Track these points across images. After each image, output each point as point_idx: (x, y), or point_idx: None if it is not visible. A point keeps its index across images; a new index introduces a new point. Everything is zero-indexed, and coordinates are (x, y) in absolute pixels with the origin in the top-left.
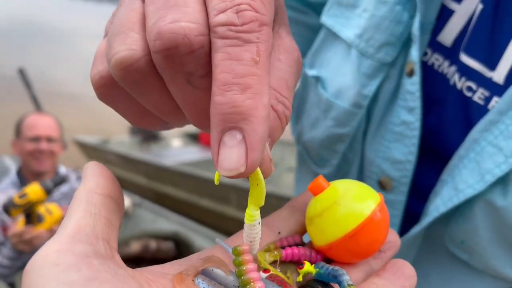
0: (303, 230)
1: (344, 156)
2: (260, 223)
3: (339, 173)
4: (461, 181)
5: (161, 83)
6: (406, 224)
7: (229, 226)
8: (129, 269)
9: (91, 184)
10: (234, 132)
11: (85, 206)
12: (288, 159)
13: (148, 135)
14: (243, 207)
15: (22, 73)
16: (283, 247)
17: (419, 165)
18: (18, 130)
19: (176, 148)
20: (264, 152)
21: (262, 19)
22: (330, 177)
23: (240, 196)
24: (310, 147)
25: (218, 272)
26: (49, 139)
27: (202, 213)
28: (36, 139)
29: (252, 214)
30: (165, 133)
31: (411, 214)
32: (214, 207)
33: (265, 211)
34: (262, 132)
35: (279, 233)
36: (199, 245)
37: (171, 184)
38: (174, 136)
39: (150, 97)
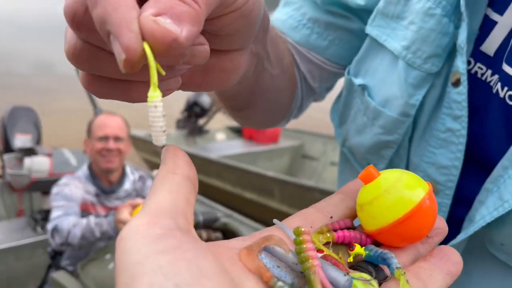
0: (353, 216)
1: (390, 161)
2: (162, 108)
3: None
4: (506, 191)
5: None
6: (448, 226)
7: (273, 218)
8: (203, 241)
9: (170, 165)
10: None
11: (167, 185)
12: (330, 154)
13: (193, 128)
14: (286, 199)
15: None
16: (335, 230)
17: (462, 171)
18: (89, 130)
19: (220, 142)
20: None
21: None
22: None
23: (283, 189)
24: (356, 152)
25: (279, 249)
26: (117, 139)
27: (246, 205)
28: (105, 138)
29: (150, 95)
30: (209, 126)
31: (453, 217)
32: (258, 199)
33: (308, 205)
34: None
35: (331, 217)
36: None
37: (215, 177)
38: (218, 130)
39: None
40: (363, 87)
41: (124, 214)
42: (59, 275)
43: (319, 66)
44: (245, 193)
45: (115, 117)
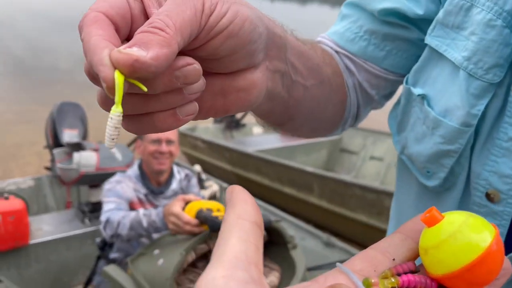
0: (415, 257)
1: (451, 170)
2: (118, 122)
3: (445, 185)
4: None
5: None
6: (511, 235)
7: (312, 214)
8: None
9: (239, 211)
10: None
11: (237, 233)
12: (370, 148)
13: (230, 122)
14: (325, 195)
15: None
16: (399, 274)
17: None
18: None
19: (257, 135)
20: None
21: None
22: (437, 189)
23: (322, 185)
24: (416, 160)
25: None
26: (168, 142)
27: (285, 200)
28: (157, 141)
29: (112, 109)
30: (246, 120)
31: None
32: (297, 195)
33: (350, 202)
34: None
35: (393, 259)
36: (291, 235)
37: (254, 171)
38: (255, 123)
39: None
40: (423, 97)
41: (176, 207)
42: (110, 269)
43: (376, 75)
44: (284, 188)
45: None
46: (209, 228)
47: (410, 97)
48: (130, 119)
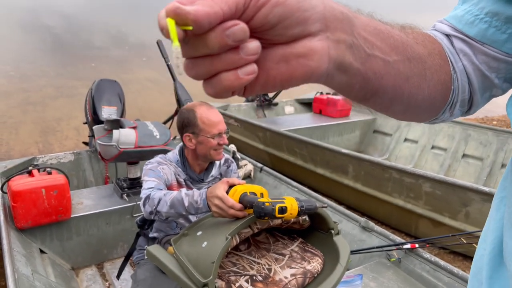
0: None
1: None
2: (178, 54)
3: None
4: None
5: None
6: None
7: (346, 196)
8: None
9: None
10: None
11: None
12: (404, 130)
13: (262, 101)
14: (360, 178)
15: (159, 44)
16: None
17: None
18: (195, 125)
19: (289, 115)
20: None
21: None
22: None
23: (358, 167)
24: None
25: None
26: (226, 132)
27: (318, 181)
28: (219, 134)
29: (173, 45)
30: (278, 99)
31: None
32: (330, 176)
33: (386, 185)
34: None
35: None
36: (335, 221)
37: (286, 151)
38: (287, 102)
39: None
40: None
41: (221, 190)
42: (154, 248)
43: (496, 57)
44: (317, 169)
45: (214, 109)
46: (254, 214)
47: None
48: (206, 83)
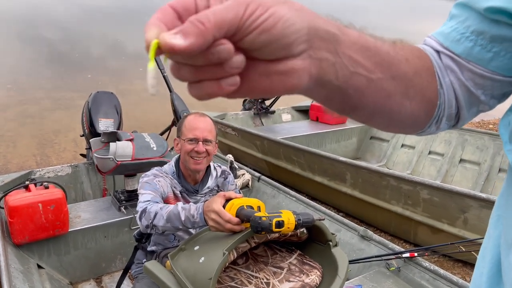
0: None
1: None
2: (152, 74)
3: None
4: None
5: None
6: None
7: (344, 204)
8: None
9: None
10: None
11: None
12: (401, 136)
13: (259, 109)
14: (358, 185)
15: (156, 61)
16: None
17: None
18: (179, 129)
19: (286, 122)
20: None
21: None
22: None
23: (356, 174)
24: None
25: None
26: (206, 141)
27: (316, 189)
28: (195, 140)
29: (148, 66)
30: (275, 107)
31: None
32: (328, 184)
33: (384, 192)
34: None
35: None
36: (332, 232)
37: (284, 159)
38: (284, 110)
39: None
40: None
41: (217, 204)
42: (151, 264)
43: (481, 75)
44: (316, 177)
45: (204, 118)
46: (252, 228)
47: None
48: (190, 85)
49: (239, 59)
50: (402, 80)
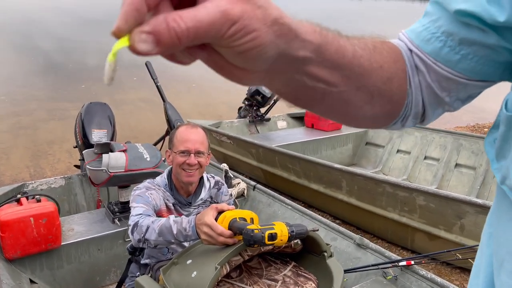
0: None
1: None
2: (110, 65)
3: None
4: None
5: None
6: None
7: (340, 211)
8: None
9: None
10: None
11: None
12: (396, 141)
13: (254, 117)
14: (354, 192)
15: (147, 66)
16: None
17: None
18: (171, 141)
19: (281, 129)
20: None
21: None
22: None
23: (351, 182)
24: None
25: None
26: (198, 153)
27: (313, 197)
28: (186, 152)
29: (109, 57)
30: (270, 114)
31: None
32: (324, 191)
33: (380, 199)
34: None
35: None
36: (327, 243)
37: (280, 167)
38: (279, 117)
39: None
40: None
41: (209, 217)
42: (143, 280)
43: (447, 77)
44: (311, 184)
45: (196, 130)
46: (244, 241)
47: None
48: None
49: (201, 56)
50: (368, 91)
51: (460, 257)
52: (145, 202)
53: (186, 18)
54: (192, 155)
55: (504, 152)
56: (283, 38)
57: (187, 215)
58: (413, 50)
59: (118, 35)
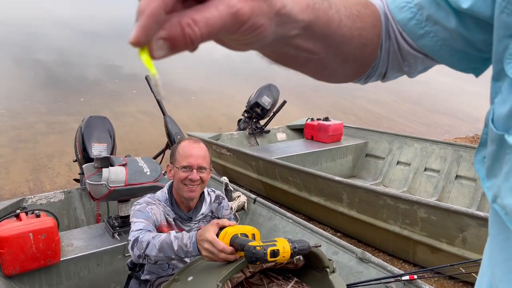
0: None
1: None
2: (156, 80)
3: None
4: None
5: None
6: None
7: (341, 224)
8: None
9: None
10: None
11: None
12: (396, 152)
13: (254, 129)
14: (355, 205)
15: (147, 79)
16: None
17: None
18: (173, 155)
19: (281, 142)
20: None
21: None
22: None
23: (351, 194)
24: None
25: None
26: (200, 168)
27: (313, 209)
28: (188, 167)
29: (151, 73)
30: (270, 126)
31: None
32: (325, 204)
33: (381, 211)
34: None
35: None
36: (329, 258)
37: (280, 179)
38: (279, 129)
39: None
40: None
41: (210, 233)
42: None
43: (407, 50)
44: (312, 197)
45: (199, 145)
46: (246, 258)
47: (503, 144)
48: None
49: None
50: (344, 57)
51: (464, 271)
52: (146, 217)
53: (199, 22)
54: (195, 170)
55: (495, 171)
56: (283, 26)
57: (187, 230)
58: (387, 16)
59: (136, 45)
